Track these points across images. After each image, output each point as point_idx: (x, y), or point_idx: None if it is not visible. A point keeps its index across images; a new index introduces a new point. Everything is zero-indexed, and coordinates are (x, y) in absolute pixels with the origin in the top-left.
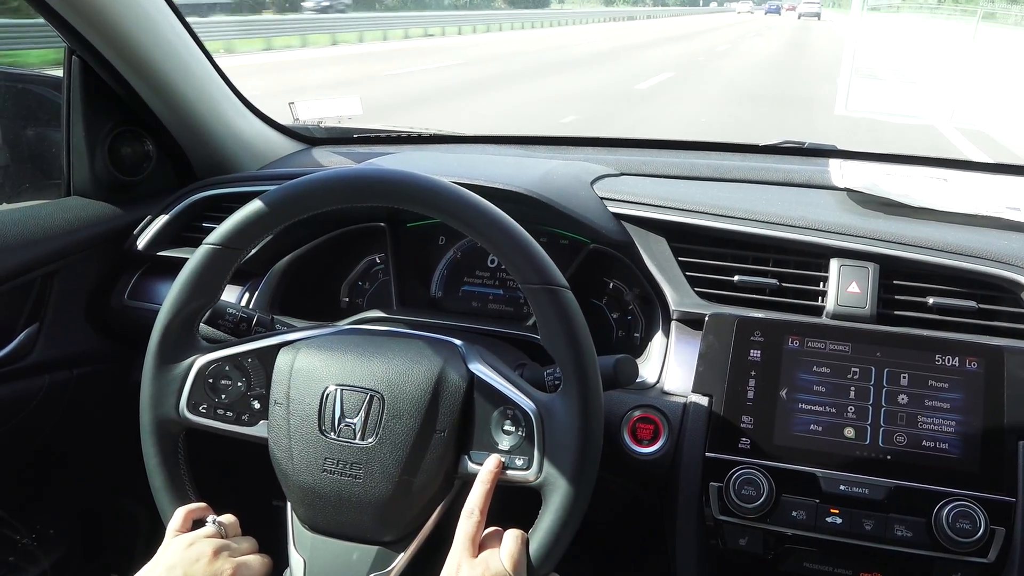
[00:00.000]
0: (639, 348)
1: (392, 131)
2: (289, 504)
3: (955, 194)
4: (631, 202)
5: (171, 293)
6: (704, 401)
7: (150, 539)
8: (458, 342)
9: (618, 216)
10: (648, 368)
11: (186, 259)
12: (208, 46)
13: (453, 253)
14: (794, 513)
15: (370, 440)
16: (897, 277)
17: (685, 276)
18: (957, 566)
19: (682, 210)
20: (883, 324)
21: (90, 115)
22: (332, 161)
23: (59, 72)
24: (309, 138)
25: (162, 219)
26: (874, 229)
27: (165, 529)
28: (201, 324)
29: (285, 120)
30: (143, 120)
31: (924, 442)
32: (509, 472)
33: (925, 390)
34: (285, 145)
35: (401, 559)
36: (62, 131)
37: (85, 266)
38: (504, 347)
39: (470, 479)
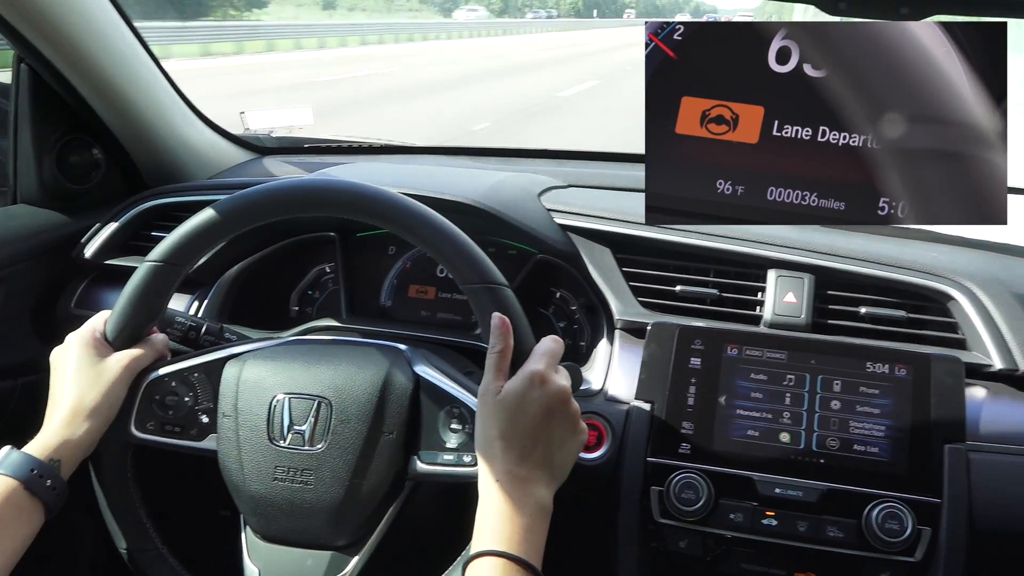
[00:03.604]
0: (584, 356)
1: (343, 141)
2: (241, 515)
3: None
4: (577, 213)
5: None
6: (646, 407)
7: (95, 552)
8: (403, 347)
9: (564, 227)
10: (593, 375)
11: (135, 268)
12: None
13: (403, 263)
14: (732, 516)
15: (319, 446)
16: (831, 287)
17: (629, 286)
18: (886, 565)
19: (626, 222)
20: (818, 333)
21: (38, 123)
22: (283, 171)
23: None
24: (259, 147)
25: (110, 227)
26: (810, 241)
27: (111, 543)
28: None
29: (235, 129)
30: (92, 128)
31: (855, 446)
32: (457, 469)
33: (856, 396)
34: (235, 154)
35: (355, 562)
36: (9, 139)
37: (31, 274)
38: (452, 355)
39: (420, 480)
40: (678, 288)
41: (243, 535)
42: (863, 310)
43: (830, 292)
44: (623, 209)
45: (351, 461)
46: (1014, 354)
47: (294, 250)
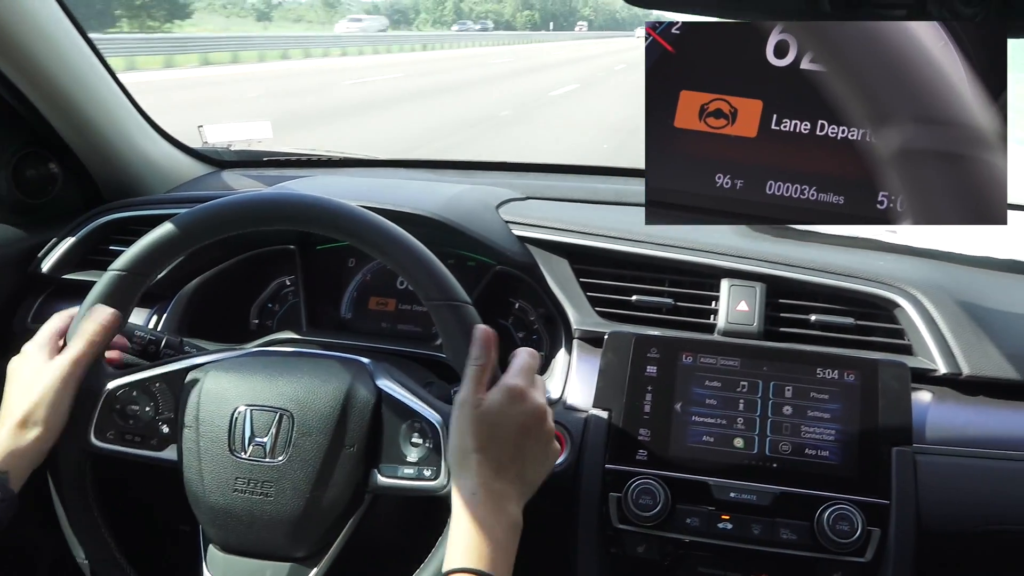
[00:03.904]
0: (543, 366)
1: (302, 154)
2: (200, 526)
3: None
4: (534, 225)
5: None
6: (604, 415)
7: (53, 569)
8: (366, 360)
9: (522, 239)
10: (552, 384)
11: (93, 282)
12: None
13: (363, 275)
14: (688, 520)
15: (280, 458)
16: (782, 296)
17: (586, 296)
18: (837, 566)
19: (583, 233)
20: (770, 340)
21: None
22: (241, 184)
23: None
24: (218, 161)
25: (68, 242)
26: (762, 251)
27: (70, 558)
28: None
29: (193, 142)
30: (49, 142)
31: (807, 450)
32: (417, 483)
33: (807, 401)
34: (194, 168)
35: (314, 574)
36: None
37: None
38: (413, 366)
39: (380, 493)
40: (634, 298)
41: (202, 546)
42: (813, 317)
43: (781, 300)
44: (579, 220)
45: (311, 473)
46: (957, 359)
47: (254, 263)
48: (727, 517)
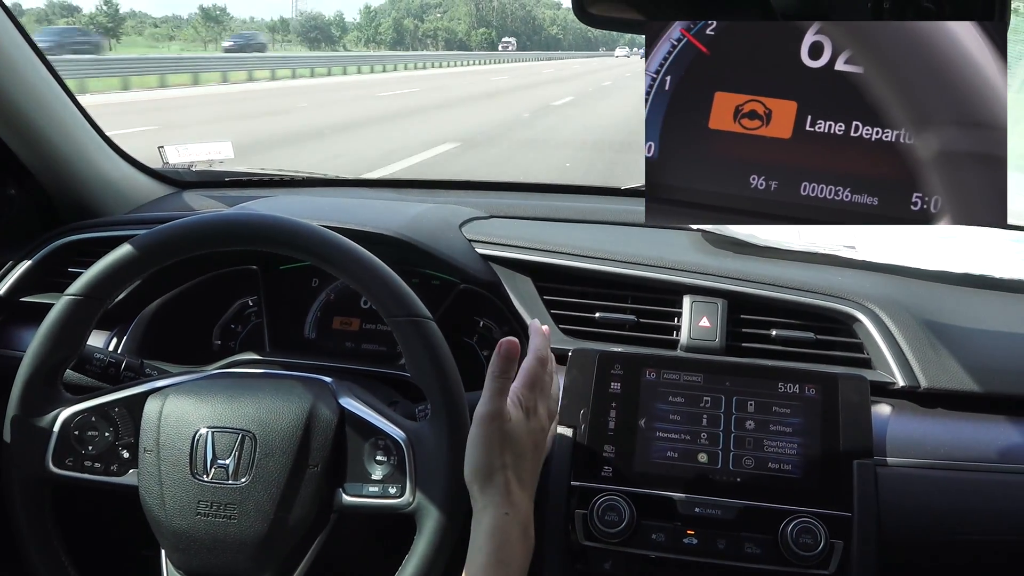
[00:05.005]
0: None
1: (264, 174)
2: (163, 551)
3: (797, 233)
4: (497, 243)
5: (32, 346)
6: (569, 432)
7: None
8: (327, 379)
9: (485, 257)
10: None
11: (52, 304)
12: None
13: (326, 295)
14: (654, 536)
15: (243, 480)
16: (744, 311)
17: (550, 314)
18: None
19: (546, 251)
20: (732, 355)
21: None
22: (203, 204)
23: None
24: (179, 181)
25: (25, 264)
26: (723, 267)
27: None
28: (68, 370)
29: (154, 163)
30: (5, 163)
31: (770, 464)
32: (383, 501)
33: (769, 416)
34: (154, 188)
35: None
36: None
37: None
38: (377, 386)
39: (345, 512)
40: (597, 315)
41: (164, 571)
42: (774, 332)
43: (743, 316)
44: (543, 238)
45: (275, 494)
46: (915, 372)
47: (216, 284)
48: (692, 532)
